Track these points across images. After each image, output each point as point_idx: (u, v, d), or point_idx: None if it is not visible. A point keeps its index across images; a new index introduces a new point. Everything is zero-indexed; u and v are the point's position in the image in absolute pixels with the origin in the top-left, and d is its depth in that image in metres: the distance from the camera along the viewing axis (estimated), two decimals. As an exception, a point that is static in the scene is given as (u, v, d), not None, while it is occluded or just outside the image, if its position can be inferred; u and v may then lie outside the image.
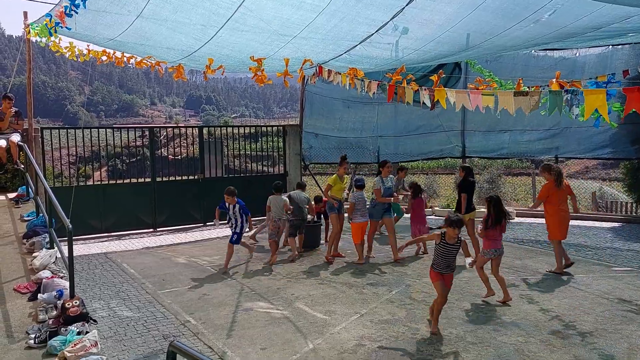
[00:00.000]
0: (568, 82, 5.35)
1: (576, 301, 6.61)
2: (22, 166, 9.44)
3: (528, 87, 7.74)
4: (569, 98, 5.12)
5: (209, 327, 5.89)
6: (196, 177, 12.66)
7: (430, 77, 7.84)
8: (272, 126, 14.59)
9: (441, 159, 17.72)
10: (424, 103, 6.67)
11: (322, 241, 9.94)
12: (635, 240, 10.35)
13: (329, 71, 8.86)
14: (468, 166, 9.19)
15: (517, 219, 13.03)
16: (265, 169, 15.76)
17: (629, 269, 8.13)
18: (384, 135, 14.65)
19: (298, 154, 13.80)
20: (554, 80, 5.59)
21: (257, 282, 7.60)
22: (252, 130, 14.67)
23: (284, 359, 5.01)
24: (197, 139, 12.98)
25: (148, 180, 12.19)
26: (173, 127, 20.32)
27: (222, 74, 10.37)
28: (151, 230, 11.91)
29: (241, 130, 14.91)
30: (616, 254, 9.18)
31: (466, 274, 7.90)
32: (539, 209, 8.64)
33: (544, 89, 6.77)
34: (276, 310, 6.40)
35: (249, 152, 15.65)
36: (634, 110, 4.74)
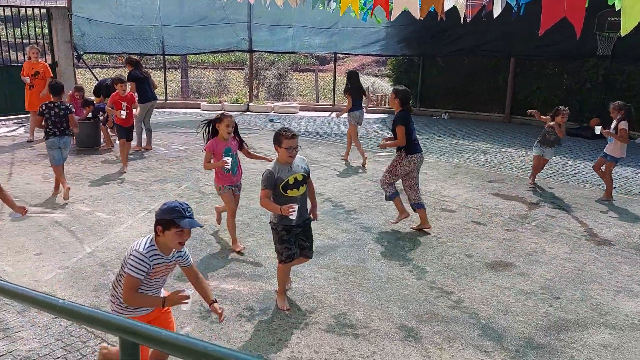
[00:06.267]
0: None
1: (346, 184, 7.49)
2: None
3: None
4: (328, -7, 5.39)
5: (-33, 239, 5.20)
6: None
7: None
8: (34, 7, 12.45)
9: (230, 53, 17.45)
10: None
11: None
12: (396, 129, 11.88)
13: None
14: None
15: (300, 113, 13.81)
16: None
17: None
18: (167, 25, 13.72)
19: (68, 41, 12.19)
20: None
21: (26, 187, 6.85)
22: (8, 11, 12.33)
23: (62, 263, 4.72)
24: None
25: None
26: None
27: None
28: None
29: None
30: (381, 141, 10.45)
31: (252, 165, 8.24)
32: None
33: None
34: (52, 214, 5.92)
35: (7, 40, 13.28)
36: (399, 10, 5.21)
